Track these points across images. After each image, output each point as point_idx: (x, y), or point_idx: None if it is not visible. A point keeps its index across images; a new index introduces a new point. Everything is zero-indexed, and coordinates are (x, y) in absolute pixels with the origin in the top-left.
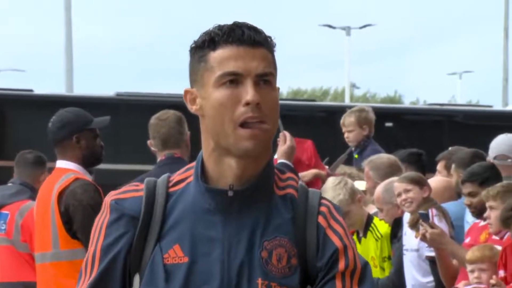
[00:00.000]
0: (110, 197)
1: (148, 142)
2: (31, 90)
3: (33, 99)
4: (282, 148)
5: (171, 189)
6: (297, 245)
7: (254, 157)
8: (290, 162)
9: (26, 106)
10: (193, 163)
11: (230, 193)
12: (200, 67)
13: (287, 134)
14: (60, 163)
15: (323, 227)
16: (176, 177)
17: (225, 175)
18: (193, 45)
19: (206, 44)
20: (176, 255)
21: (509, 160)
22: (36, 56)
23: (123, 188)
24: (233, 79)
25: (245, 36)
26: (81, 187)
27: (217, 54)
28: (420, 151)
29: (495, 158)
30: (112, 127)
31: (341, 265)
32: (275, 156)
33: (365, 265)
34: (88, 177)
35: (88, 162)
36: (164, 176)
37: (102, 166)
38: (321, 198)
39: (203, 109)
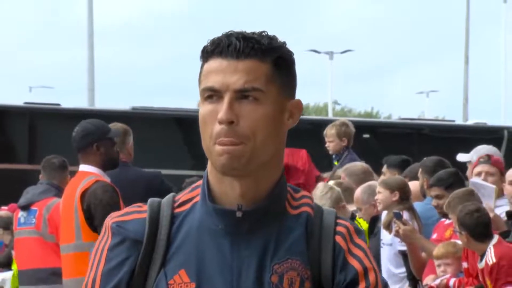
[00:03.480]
0: (111, 219)
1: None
2: (58, 104)
3: (60, 112)
4: None
5: (177, 210)
6: (310, 266)
7: (242, 175)
8: None
9: (54, 118)
10: (200, 182)
11: (239, 214)
12: (198, 78)
13: None
14: (83, 167)
15: (343, 249)
16: (182, 196)
17: (228, 194)
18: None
19: (201, 55)
20: (182, 281)
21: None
22: (63, 75)
23: (125, 209)
24: (212, 95)
25: (231, 47)
26: (101, 188)
27: (205, 67)
28: (408, 158)
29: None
30: None
31: (362, 287)
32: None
33: (385, 286)
34: (107, 179)
35: (106, 166)
36: (170, 196)
37: None
38: (337, 217)
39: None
